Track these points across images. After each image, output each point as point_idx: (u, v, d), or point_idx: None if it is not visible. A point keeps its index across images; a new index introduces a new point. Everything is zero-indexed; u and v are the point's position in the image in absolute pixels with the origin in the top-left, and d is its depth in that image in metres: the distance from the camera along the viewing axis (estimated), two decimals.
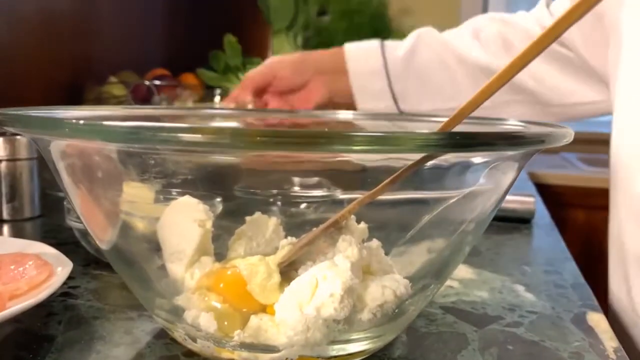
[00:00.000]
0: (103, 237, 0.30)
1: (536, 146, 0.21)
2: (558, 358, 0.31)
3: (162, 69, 1.14)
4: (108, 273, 0.42)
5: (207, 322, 0.28)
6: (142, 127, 0.21)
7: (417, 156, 0.24)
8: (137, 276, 0.31)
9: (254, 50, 1.47)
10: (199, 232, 0.31)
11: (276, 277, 0.29)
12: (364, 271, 0.27)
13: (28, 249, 0.36)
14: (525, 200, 0.63)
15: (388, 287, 0.26)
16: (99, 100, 1.06)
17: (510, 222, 0.62)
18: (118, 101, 1.05)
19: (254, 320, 0.28)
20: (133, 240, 0.31)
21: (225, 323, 0.29)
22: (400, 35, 1.32)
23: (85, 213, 0.30)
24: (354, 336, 0.28)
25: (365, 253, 0.26)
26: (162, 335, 0.32)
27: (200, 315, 0.29)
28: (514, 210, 0.63)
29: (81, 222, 0.44)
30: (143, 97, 1.05)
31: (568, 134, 0.23)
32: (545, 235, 0.59)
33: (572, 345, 0.32)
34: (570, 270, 0.47)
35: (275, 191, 0.57)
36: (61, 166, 0.27)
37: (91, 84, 1.08)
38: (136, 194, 0.35)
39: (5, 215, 0.57)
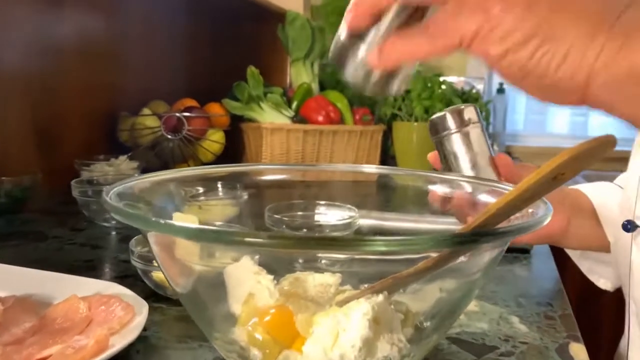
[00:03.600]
0: (178, 282, 0.38)
1: (517, 235, 0.29)
2: None
3: (190, 100, 1.23)
4: (167, 306, 0.50)
5: (255, 353, 0.36)
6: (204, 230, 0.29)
7: None
8: (202, 313, 0.39)
9: (273, 79, 1.56)
10: (253, 280, 0.39)
11: (320, 314, 0.37)
12: (374, 321, 0.35)
13: (107, 291, 0.44)
14: None
15: (395, 345, 0.33)
16: (133, 131, 1.15)
17: (512, 252, 0.69)
18: (152, 132, 1.13)
19: (285, 353, 0.36)
20: (198, 285, 0.39)
21: (267, 351, 0.37)
22: None
23: (163, 265, 0.38)
24: None
25: (376, 308, 0.34)
26: None
27: (250, 347, 0.37)
28: (514, 242, 0.70)
29: (141, 263, 0.52)
30: (174, 128, 1.14)
31: (543, 221, 0.30)
32: (542, 265, 0.67)
33: None
34: (561, 301, 0.55)
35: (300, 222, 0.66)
36: (152, 240, 0.35)
37: (125, 114, 1.17)
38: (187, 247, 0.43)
39: None
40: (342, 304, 0.37)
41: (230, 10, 1.52)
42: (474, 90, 1.52)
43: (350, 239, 0.26)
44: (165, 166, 1.18)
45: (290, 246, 0.27)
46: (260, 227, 0.64)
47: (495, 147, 1.92)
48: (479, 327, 0.48)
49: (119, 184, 0.39)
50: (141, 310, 0.40)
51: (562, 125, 2.15)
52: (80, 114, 1.11)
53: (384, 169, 0.57)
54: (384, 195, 0.64)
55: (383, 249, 0.26)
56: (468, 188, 0.47)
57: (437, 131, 0.57)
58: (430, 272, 0.33)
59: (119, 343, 0.35)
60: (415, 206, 0.69)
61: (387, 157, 1.47)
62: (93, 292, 0.44)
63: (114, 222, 0.81)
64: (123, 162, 1.08)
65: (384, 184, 0.59)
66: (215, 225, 0.57)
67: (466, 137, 0.56)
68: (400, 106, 1.38)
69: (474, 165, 0.55)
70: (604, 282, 0.65)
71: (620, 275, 0.60)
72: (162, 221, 0.30)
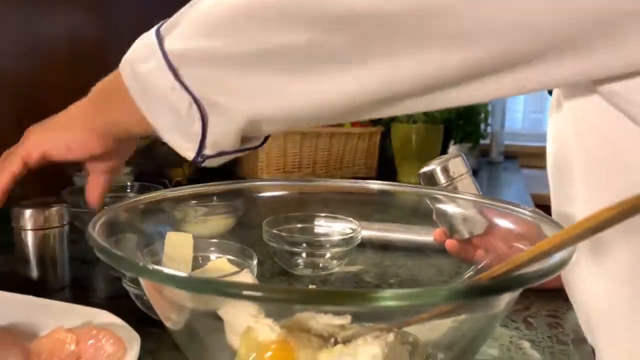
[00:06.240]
0: (169, 318, 0.36)
1: (547, 278, 0.26)
2: None
3: None
4: (160, 331, 0.47)
5: None
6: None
7: None
8: (197, 349, 0.37)
9: None
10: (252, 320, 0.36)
11: (324, 352, 0.35)
12: None
13: (96, 319, 0.42)
14: None
15: None
16: None
17: None
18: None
19: None
20: (192, 320, 0.36)
21: None
22: None
23: (154, 300, 0.35)
24: None
25: (386, 351, 0.32)
26: None
27: None
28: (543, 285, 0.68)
29: (134, 287, 0.50)
30: None
31: (566, 260, 0.28)
32: None
33: None
34: (572, 322, 0.52)
35: (300, 237, 0.63)
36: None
37: None
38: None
39: None
40: (348, 339, 0.35)
41: None
42: None
43: (358, 294, 0.24)
44: (159, 170, 1.15)
45: (293, 301, 0.24)
46: (258, 241, 0.62)
47: (494, 147, 1.90)
48: (490, 354, 0.45)
49: (106, 211, 0.36)
50: (132, 344, 0.38)
51: None
52: None
53: (386, 185, 0.54)
54: (385, 206, 0.62)
55: (393, 304, 0.23)
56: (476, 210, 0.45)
57: (428, 184, 0.59)
58: (445, 318, 0.30)
59: None
60: (419, 219, 0.67)
61: (385, 159, 1.45)
62: (82, 321, 0.42)
63: None
64: None
65: (386, 196, 0.57)
66: (212, 244, 0.55)
67: (455, 189, 0.58)
68: None
69: (465, 217, 0.54)
70: None
71: None
72: (150, 267, 0.27)
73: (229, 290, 0.25)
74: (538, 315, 0.54)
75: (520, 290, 0.31)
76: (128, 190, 0.86)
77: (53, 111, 1.02)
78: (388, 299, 0.23)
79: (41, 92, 1.00)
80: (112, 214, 0.37)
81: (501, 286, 0.25)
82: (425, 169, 0.59)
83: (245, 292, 0.24)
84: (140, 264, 0.28)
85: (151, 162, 1.15)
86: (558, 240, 0.24)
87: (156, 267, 0.28)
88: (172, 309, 0.34)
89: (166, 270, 0.27)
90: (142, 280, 0.33)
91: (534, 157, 2.02)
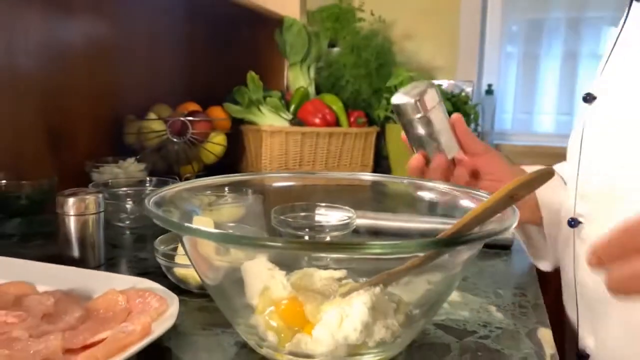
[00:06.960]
0: (207, 276, 0.45)
1: (484, 240, 0.36)
2: None
3: (193, 104, 1.29)
4: (189, 298, 0.57)
5: (272, 337, 0.43)
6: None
7: None
8: (227, 302, 0.46)
9: (271, 82, 1.62)
10: (268, 274, 0.46)
11: (326, 304, 0.44)
12: (372, 309, 0.41)
13: (139, 285, 0.51)
14: None
15: (389, 328, 0.41)
16: (140, 134, 1.21)
17: (493, 248, 0.77)
18: (157, 135, 1.20)
19: (297, 337, 0.43)
20: (223, 279, 0.46)
21: (282, 335, 0.44)
22: (403, 69, 1.47)
23: (195, 261, 0.45)
24: (366, 352, 0.42)
25: (374, 299, 0.41)
26: (243, 346, 0.47)
27: (267, 332, 0.44)
28: (496, 239, 0.77)
29: (165, 260, 0.59)
30: (179, 132, 1.20)
31: (512, 223, 0.38)
32: (520, 261, 0.74)
33: (523, 352, 0.47)
34: (534, 293, 0.62)
35: (303, 223, 0.73)
36: (185, 239, 0.42)
37: (130, 118, 1.23)
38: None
39: None
40: (345, 295, 0.45)
41: (228, 16, 1.58)
42: (463, 93, 1.59)
43: (353, 244, 0.33)
44: (170, 168, 1.24)
45: (306, 249, 0.34)
46: (266, 226, 0.71)
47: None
48: (462, 315, 0.55)
49: (154, 193, 0.46)
50: (172, 301, 0.47)
51: (549, 124, 2.23)
52: (89, 117, 1.16)
53: (378, 177, 0.63)
54: (378, 198, 0.71)
55: (379, 251, 0.33)
56: (451, 195, 0.54)
57: (401, 115, 0.60)
58: (418, 269, 0.40)
59: (158, 329, 0.42)
60: (405, 207, 0.76)
61: (380, 158, 1.54)
62: (127, 287, 0.51)
63: (128, 222, 0.87)
64: (131, 165, 1.13)
65: (377, 188, 0.67)
66: (230, 227, 0.64)
67: (429, 121, 0.59)
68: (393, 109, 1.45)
69: (438, 145, 0.60)
70: (545, 265, 0.75)
71: (564, 264, 0.67)
72: (196, 227, 0.36)
73: (257, 242, 0.34)
74: (506, 288, 0.63)
75: (472, 251, 0.41)
76: (147, 185, 0.95)
77: (73, 110, 1.12)
78: (375, 247, 0.32)
79: (62, 93, 1.08)
80: (157, 197, 0.46)
81: (455, 241, 0.34)
82: (400, 101, 0.58)
83: (268, 243, 0.34)
84: (187, 224, 0.38)
85: (162, 160, 1.24)
86: (481, 206, 0.35)
87: (199, 226, 0.37)
88: (208, 269, 0.43)
89: (205, 228, 0.37)
90: (186, 243, 0.43)
91: (523, 156, 2.11)
